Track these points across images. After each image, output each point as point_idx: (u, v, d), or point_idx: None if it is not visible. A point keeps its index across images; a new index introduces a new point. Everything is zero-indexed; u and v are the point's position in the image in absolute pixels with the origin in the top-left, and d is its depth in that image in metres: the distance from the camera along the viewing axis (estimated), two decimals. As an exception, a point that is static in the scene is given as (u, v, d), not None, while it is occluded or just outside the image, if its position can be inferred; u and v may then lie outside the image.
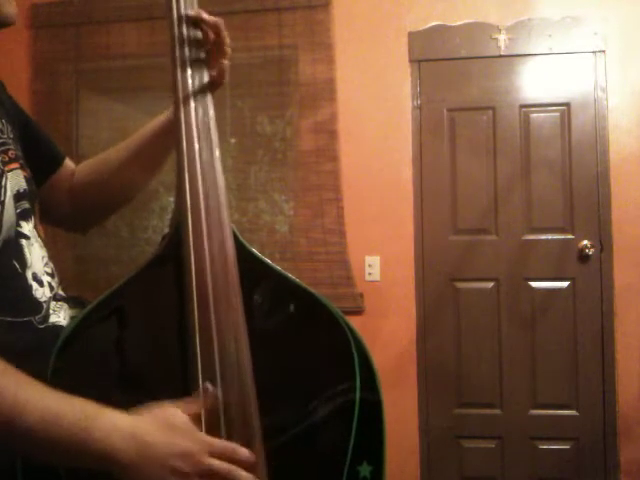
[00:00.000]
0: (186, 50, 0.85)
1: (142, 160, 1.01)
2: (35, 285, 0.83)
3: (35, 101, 3.12)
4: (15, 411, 0.65)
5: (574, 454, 2.78)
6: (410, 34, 2.92)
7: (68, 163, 1.06)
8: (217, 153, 0.83)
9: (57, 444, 0.66)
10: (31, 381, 0.68)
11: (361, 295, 2.90)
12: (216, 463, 0.70)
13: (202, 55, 0.87)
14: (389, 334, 2.87)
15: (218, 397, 0.74)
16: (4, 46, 3.02)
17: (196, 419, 0.72)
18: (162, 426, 0.70)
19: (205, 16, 0.86)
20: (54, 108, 3.12)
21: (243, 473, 0.71)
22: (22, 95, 3.07)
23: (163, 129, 0.98)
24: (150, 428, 0.69)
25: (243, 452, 0.73)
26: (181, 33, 0.85)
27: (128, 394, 0.72)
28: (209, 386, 0.74)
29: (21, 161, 0.88)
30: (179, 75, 0.84)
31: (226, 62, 0.88)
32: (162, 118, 0.99)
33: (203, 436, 0.72)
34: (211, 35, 0.86)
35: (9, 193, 0.82)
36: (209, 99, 0.86)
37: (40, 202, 0.95)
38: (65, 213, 1.05)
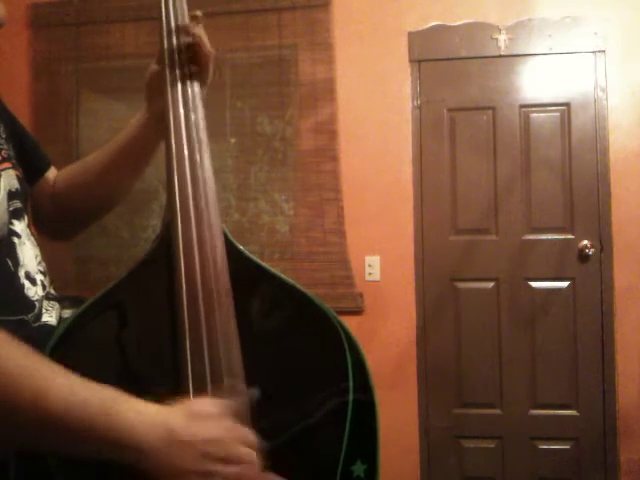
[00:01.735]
0: (175, 53, 0.87)
1: (121, 165, 1.01)
2: (28, 284, 0.83)
3: (35, 101, 3.12)
4: (40, 395, 0.63)
5: (574, 454, 2.78)
6: (410, 34, 2.92)
7: (53, 169, 1.06)
8: (207, 152, 0.84)
9: (81, 430, 0.65)
10: (55, 366, 0.67)
11: (361, 295, 2.90)
12: (247, 451, 0.70)
13: (190, 57, 0.88)
14: (389, 334, 2.87)
15: (249, 395, 0.75)
16: (4, 46, 3.02)
17: (231, 413, 0.72)
18: (190, 413, 0.69)
19: (190, 28, 0.89)
20: (54, 108, 3.12)
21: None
22: (22, 95, 3.07)
23: (139, 133, 0.98)
24: (176, 415, 0.69)
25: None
26: (170, 37, 0.87)
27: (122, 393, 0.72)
28: (239, 384, 0.75)
29: (13, 160, 0.88)
30: (168, 76, 0.86)
31: (206, 65, 0.90)
32: (135, 122, 0.99)
33: (233, 424, 0.71)
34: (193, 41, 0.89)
35: (2, 191, 0.82)
36: (198, 99, 0.87)
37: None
38: (46, 219, 1.04)
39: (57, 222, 1.05)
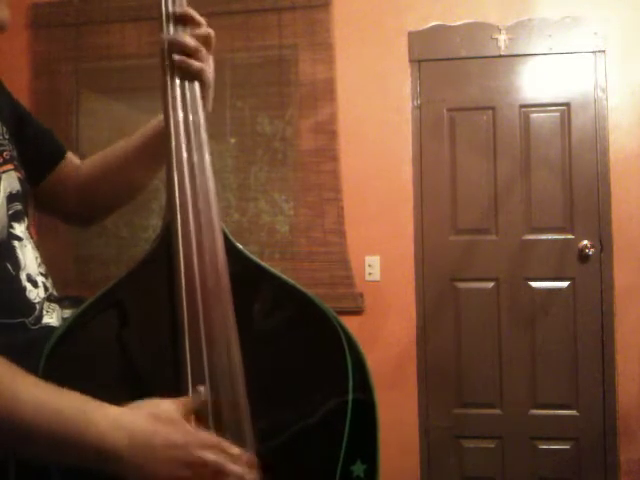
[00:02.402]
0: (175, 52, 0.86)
1: (146, 156, 1.01)
2: (29, 286, 0.83)
3: (35, 101, 3.11)
4: (11, 405, 0.64)
5: (574, 454, 2.78)
6: (410, 34, 2.92)
7: (71, 157, 1.06)
8: (206, 152, 0.83)
9: (53, 439, 0.65)
10: (27, 375, 0.67)
11: (361, 295, 2.90)
12: (208, 455, 0.70)
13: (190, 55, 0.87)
14: (389, 334, 2.87)
15: (209, 398, 0.74)
16: (4, 46, 3.02)
17: (189, 416, 0.73)
18: (155, 418, 0.70)
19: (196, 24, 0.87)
20: (54, 108, 3.12)
21: (233, 465, 0.71)
22: (22, 95, 3.05)
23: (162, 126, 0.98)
24: (142, 420, 0.69)
25: (234, 449, 0.72)
26: (169, 34, 0.86)
27: (120, 394, 0.72)
28: (202, 388, 0.75)
29: (15, 162, 0.88)
30: (168, 73, 0.85)
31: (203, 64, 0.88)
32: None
33: (195, 429, 0.72)
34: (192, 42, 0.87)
35: (2, 194, 0.82)
36: (199, 97, 0.86)
37: (42, 196, 0.96)
38: (69, 207, 1.05)
39: (80, 209, 1.06)
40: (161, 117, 0.98)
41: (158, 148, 0.99)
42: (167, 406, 0.72)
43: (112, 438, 0.66)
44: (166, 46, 0.85)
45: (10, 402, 0.64)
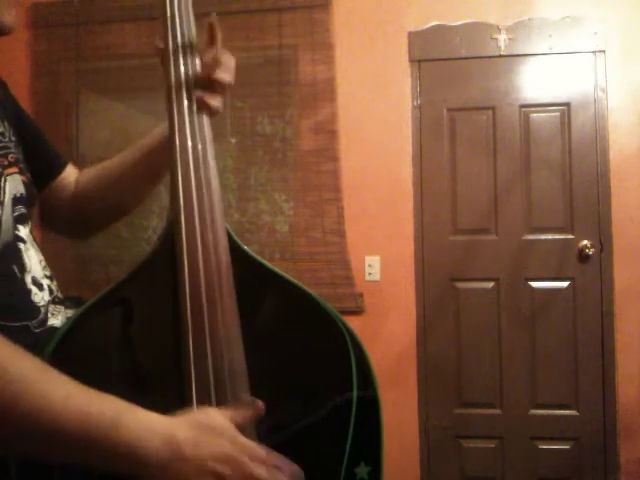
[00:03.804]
0: (182, 70, 0.84)
1: (143, 170, 1.00)
2: (34, 289, 0.82)
3: (35, 101, 3.11)
4: (40, 403, 0.62)
5: (574, 454, 2.78)
6: (410, 34, 2.92)
7: (70, 169, 1.05)
8: (211, 151, 0.82)
9: (82, 440, 0.63)
10: (58, 374, 0.65)
11: (361, 295, 2.90)
12: (260, 470, 0.67)
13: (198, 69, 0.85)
14: (389, 334, 2.87)
15: (261, 408, 0.72)
16: (4, 46, 3.01)
17: (238, 428, 0.69)
18: (201, 428, 0.67)
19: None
20: (54, 108, 3.12)
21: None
22: (22, 95, 3.06)
23: (162, 138, 0.96)
24: (186, 429, 0.66)
25: (289, 465, 0.70)
26: (177, 56, 0.84)
27: (122, 397, 0.71)
28: (251, 397, 0.73)
29: (21, 165, 0.87)
30: (173, 90, 0.83)
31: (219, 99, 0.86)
32: (160, 130, 0.97)
33: (246, 441, 0.69)
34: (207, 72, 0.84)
35: (8, 196, 0.81)
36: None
37: (40, 207, 0.95)
38: (66, 219, 1.04)
39: (75, 221, 1.05)
40: (158, 127, 0.96)
41: (157, 160, 0.97)
42: (217, 415, 0.69)
43: (145, 442, 0.63)
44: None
45: (40, 400, 0.62)
